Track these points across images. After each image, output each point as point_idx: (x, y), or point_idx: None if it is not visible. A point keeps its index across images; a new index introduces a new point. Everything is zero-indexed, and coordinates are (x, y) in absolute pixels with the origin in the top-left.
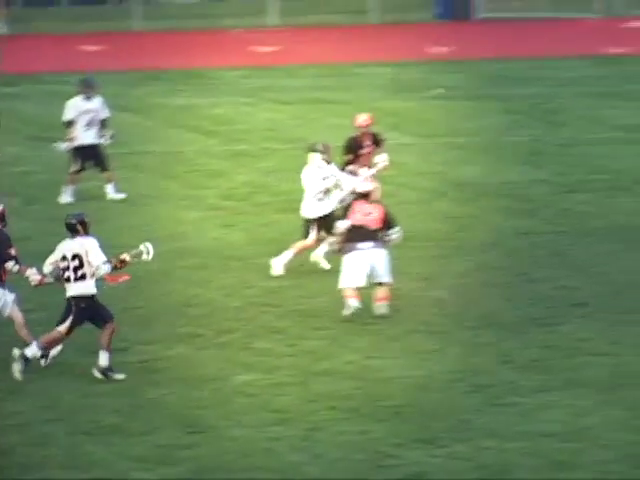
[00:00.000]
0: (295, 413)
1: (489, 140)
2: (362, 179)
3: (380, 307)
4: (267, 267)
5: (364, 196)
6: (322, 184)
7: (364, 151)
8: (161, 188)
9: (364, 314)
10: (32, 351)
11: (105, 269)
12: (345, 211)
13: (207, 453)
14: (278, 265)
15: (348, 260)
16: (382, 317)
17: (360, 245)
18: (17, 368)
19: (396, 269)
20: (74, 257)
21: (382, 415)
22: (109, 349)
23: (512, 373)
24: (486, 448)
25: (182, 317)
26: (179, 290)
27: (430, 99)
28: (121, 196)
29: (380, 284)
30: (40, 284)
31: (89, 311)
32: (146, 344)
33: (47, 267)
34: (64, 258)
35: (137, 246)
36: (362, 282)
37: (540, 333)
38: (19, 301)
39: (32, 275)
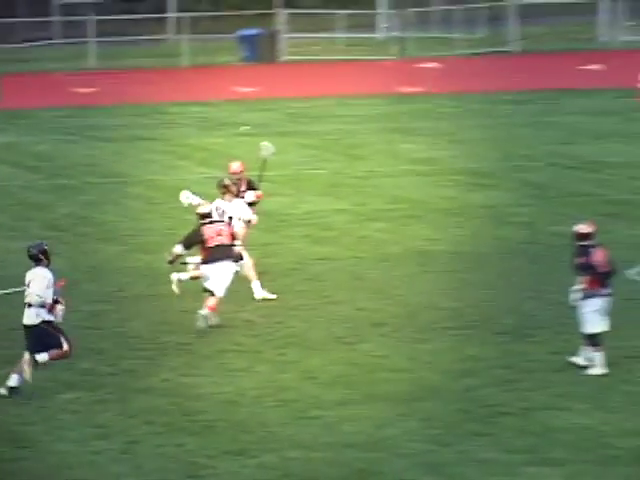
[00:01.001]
0: (116, 428)
1: (292, 173)
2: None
3: (202, 312)
4: (89, 292)
5: (205, 216)
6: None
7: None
8: None
9: (181, 334)
10: (42, 357)
11: (36, 299)
12: (195, 235)
13: (33, 467)
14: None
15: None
16: (197, 335)
17: (219, 260)
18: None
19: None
20: (28, 284)
21: (196, 429)
22: (20, 371)
23: (316, 388)
24: (293, 458)
25: (8, 340)
26: (4, 314)
27: (237, 135)
28: None
29: (212, 293)
30: None
31: (31, 337)
32: None
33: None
34: (28, 285)
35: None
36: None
37: (342, 351)
38: None
39: None
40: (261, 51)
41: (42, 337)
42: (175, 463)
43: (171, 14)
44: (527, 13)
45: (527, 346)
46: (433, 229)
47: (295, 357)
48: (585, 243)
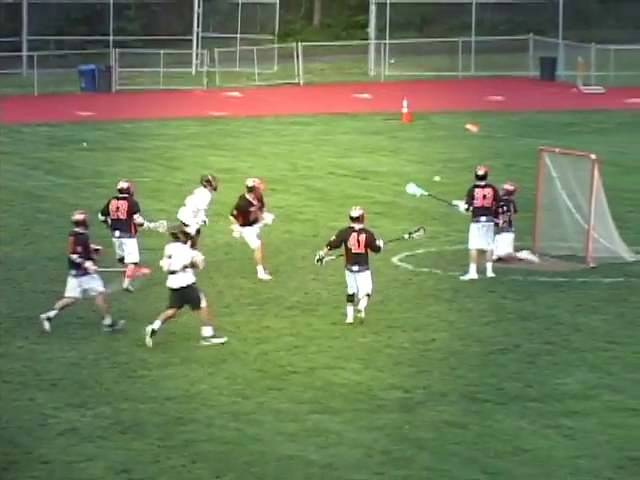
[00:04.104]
0: None
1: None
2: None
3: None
4: None
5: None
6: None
7: (253, 208)
8: None
9: (33, 310)
10: (208, 331)
11: (179, 266)
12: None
13: None
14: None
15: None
16: (45, 311)
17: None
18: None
19: (51, 276)
20: (170, 256)
21: (45, 386)
22: (210, 322)
23: (143, 353)
24: (124, 409)
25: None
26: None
27: (78, 150)
28: None
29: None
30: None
31: (184, 297)
32: None
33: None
34: (169, 257)
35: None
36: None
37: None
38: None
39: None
40: (98, 83)
41: (196, 292)
42: (28, 414)
43: (25, 53)
44: (310, 52)
45: (311, 318)
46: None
47: (126, 328)
48: (353, 225)
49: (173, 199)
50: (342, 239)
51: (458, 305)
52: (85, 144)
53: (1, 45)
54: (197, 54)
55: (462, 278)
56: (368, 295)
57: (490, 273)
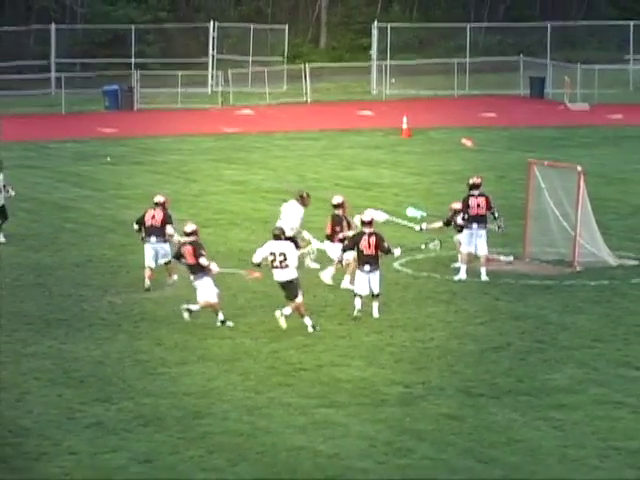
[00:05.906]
0: (10, 383)
1: (143, 192)
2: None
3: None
4: None
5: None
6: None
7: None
8: None
9: (61, 313)
10: (287, 311)
11: (295, 263)
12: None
13: None
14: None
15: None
16: (72, 313)
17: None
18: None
19: (78, 281)
20: (281, 254)
21: (72, 382)
22: (294, 311)
23: (162, 352)
24: (145, 404)
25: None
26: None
27: (102, 164)
28: None
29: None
30: None
31: (285, 288)
32: None
33: (257, 258)
34: (272, 254)
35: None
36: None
37: (181, 324)
38: None
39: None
40: (121, 102)
41: (296, 287)
42: (57, 408)
43: (53, 74)
44: (317, 73)
45: (319, 319)
46: (248, 233)
47: (147, 329)
48: (364, 229)
49: (190, 209)
50: (355, 242)
51: (455, 306)
52: (109, 158)
53: (31, 67)
54: (212, 75)
55: (454, 278)
56: (378, 296)
57: (484, 277)
